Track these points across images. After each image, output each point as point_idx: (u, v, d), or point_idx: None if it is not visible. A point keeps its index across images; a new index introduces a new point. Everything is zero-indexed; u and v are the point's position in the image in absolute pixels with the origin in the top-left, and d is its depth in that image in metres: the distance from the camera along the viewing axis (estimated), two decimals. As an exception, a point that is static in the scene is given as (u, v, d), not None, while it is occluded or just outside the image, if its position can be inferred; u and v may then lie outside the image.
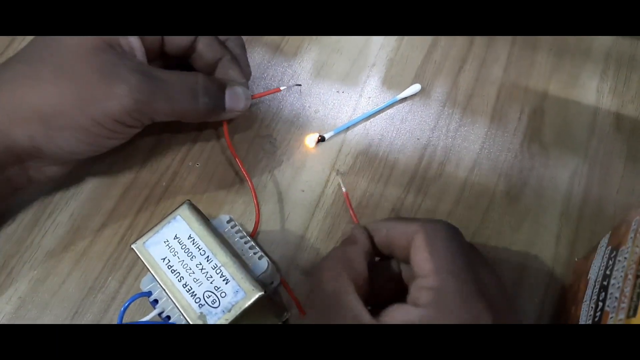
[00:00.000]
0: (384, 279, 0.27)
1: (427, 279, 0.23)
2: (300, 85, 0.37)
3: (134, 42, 0.30)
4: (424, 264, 0.23)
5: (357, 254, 0.26)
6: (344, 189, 0.33)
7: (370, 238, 0.27)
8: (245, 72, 0.34)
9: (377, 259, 0.28)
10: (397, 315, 0.22)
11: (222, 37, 0.33)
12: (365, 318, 0.23)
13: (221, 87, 0.32)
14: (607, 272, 0.23)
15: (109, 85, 0.27)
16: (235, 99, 0.32)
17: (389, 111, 0.37)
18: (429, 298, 0.22)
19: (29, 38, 0.30)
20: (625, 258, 0.22)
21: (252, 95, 0.34)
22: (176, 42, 0.32)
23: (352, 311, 0.23)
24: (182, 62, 0.34)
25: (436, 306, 0.22)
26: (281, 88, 0.36)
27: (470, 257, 0.24)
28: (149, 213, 0.34)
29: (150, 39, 0.31)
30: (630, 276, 0.21)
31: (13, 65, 0.29)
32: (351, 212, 0.32)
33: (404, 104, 0.37)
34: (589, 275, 0.26)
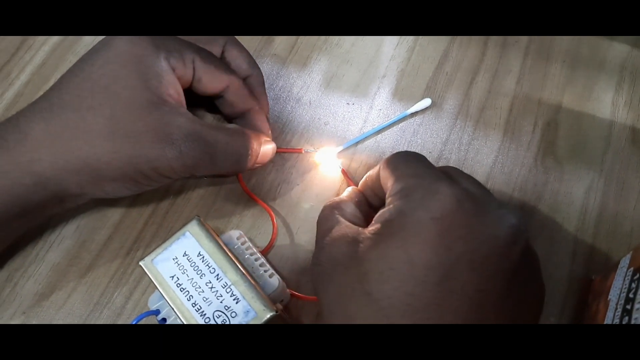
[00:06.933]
0: None
1: (393, 187, 0.25)
2: (316, 150, 0.35)
3: (179, 89, 0.30)
4: (389, 179, 0.26)
5: (344, 201, 0.29)
6: (340, 167, 0.35)
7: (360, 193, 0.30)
8: (266, 109, 0.35)
9: None
10: (377, 216, 0.25)
11: (243, 73, 0.33)
12: (354, 229, 0.25)
13: (259, 146, 0.32)
14: (630, 296, 0.23)
15: (162, 148, 0.28)
16: (264, 156, 0.33)
17: (400, 124, 0.36)
18: (397, 198, 0.25)
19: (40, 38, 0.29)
20: (649, 282, 0.21)
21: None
22: (205, 88, 0.32)
23: (340, 224, 0.26)
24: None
25: (401, 198, 0.24)
26: (303, 150, 0.35)
27: (433, 167, 0.26)
28: (156, 226, 0.33)
29: (182, 82, 0.30)
30: (656, 301, 0.20)
31: (60, 113, 0.28)
32: (349, 182, 0.34)
33: (415, 116, 0.37)
34: (609, 296, 0.25)
